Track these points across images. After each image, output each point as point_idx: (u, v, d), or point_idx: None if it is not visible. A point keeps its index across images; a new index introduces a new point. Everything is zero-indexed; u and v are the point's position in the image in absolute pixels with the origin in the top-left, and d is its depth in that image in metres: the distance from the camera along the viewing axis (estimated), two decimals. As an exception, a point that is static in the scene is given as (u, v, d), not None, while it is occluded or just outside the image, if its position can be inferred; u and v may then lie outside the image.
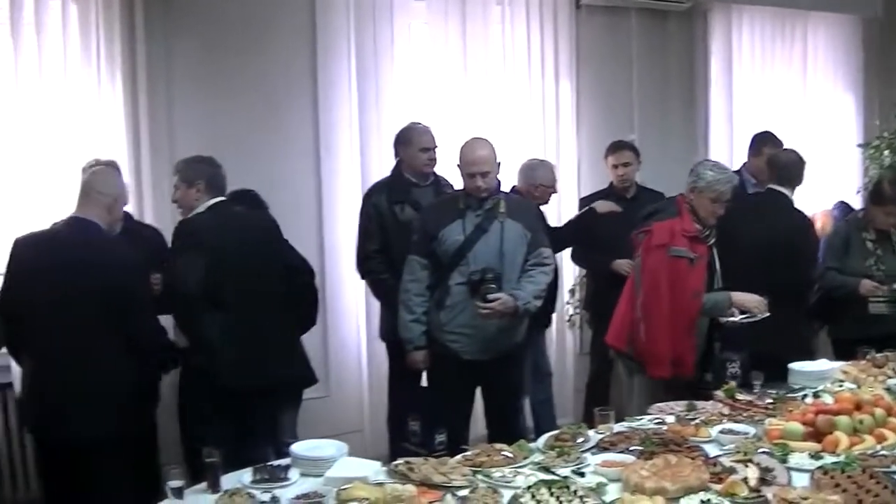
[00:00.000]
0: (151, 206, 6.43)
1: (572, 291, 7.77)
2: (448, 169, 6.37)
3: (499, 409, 5.89)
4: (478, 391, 5.92)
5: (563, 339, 7.96)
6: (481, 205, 5.60)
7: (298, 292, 5.86)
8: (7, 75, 6.09)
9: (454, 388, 5.76)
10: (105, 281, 4.85)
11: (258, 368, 5.34)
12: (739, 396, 5.02)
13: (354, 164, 7.11)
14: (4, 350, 5.22)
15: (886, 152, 9.02)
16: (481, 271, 5.51)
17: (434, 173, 6.40)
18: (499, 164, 5.65)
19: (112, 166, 5.70)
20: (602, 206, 6.93)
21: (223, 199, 5.49)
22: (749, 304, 5.57)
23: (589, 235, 6.83)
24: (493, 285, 5.49)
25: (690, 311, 5.58)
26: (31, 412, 5.13)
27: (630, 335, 5.76)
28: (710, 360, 5.71)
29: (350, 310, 7.16)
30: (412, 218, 6.11)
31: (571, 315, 7.88)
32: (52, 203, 6.00)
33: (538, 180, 6.72)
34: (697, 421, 4.65)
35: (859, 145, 9.60)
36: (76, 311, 4.83)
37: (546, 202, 6.87)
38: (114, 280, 4.87)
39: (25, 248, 5.01)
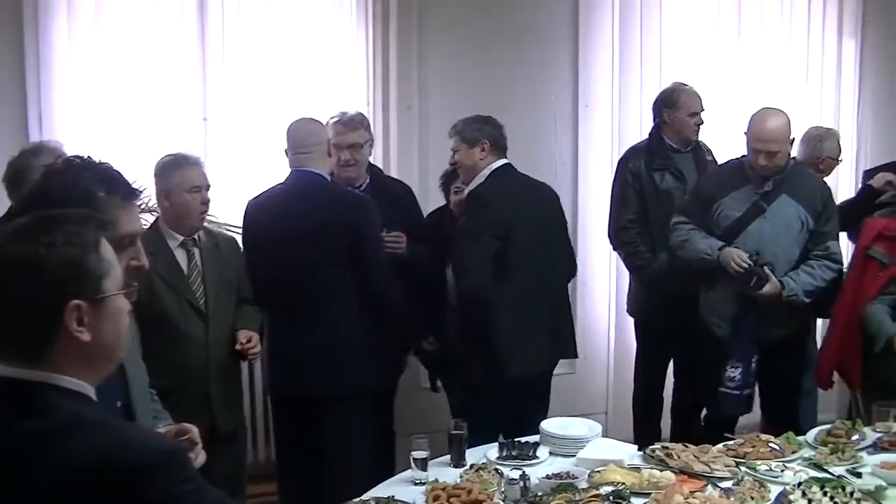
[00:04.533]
0: (396, 160, 6.67)
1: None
2: (709, 135, 6.45)
3: (771, 399, 5.94)
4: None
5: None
6: (766, 180, 5.61)
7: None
8: (267, 18, 6.45)
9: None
10: (329, 231, 5.07)
11: (543, 352, 5.51)
12: None
13: (613, 124, 7.18)
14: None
15: None
16: (755, 253, 5.54)
17: (697, 139, 6.44)
18: (791, 139, 5.64)
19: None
20: (879, 179, 6.72)
21: (507, 161, 5.52)
22: None
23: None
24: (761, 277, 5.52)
25: (854, 317, 5.47)
26: (268, 368, 5.51)
27: None
28: None
29: (601, 281, 7.24)
30: (672, 187, 6.21)
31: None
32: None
33: (825, 153, 6.60)
34: None
35: None
36: (302, 266, 5.11)
37: (828, 175, 6.77)
38: (339, 231, 5.08)
39: (254, 209, 5.37)
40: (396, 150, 6.68)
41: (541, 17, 7.00)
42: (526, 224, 5.36)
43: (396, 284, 5.27)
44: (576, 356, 5.87)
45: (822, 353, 5.85)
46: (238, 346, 5.05)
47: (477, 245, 5.26)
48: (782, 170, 5.61)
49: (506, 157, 5.52)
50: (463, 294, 5.34)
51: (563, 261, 5.71)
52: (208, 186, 5.12)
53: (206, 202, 5.09)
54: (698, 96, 6.36)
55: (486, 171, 5.44)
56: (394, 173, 6.51)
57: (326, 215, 5.10)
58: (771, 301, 5.49)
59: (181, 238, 5.07)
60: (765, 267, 5.49)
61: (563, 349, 5.70)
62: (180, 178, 5.01)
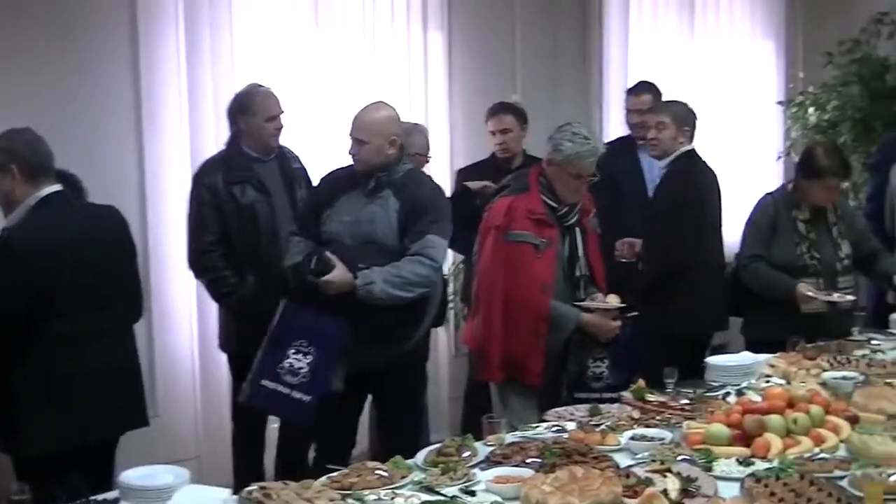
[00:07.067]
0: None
1: (446, 281, 7.49)
2: (295, 139, 6.46)
3: (389, 423, 6.00)
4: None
5: (435, 338, 7.74)
6: (368, 179, 5.62)
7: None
8: None
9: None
10: None
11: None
12: (650, 397, 5.12)
13: (184, 136, 6.97)
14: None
15: (811, 110, 9.23)
16: (313, 256, 5.53)
17: (278, 145, 6.39)
18: (393, 139, 5.62)
19: None
20: (474, 183, 7.06)
21: (58, 188, 5.09)
22: (600, 334, 5.70)
23: (468, 216, 6.75)
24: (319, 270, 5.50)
25: (539, 309, 5.65)
26: None
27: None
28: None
29: (181, 314, 7.05)
30: (255, 200, 6.14)
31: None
32: None
33: (413, 148, 6.67)
34: (603, 426, 4.75)
35: (779, 102, 9.91)
36: None
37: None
38: None
39: None
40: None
41: (92, 15, 6.70)
42: (77, 273, 4.99)
43: None
44: (147, 424, 5.53)
45: (484, 346, 5.89)
46: None
47: None
48: (384, 168, 5.61)
49: (51, 183, 5.07)
50: None
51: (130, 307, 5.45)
52: None
53: None
54: (276, 98, 6.28)
55: (29, 202, 4.97)
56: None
57: None
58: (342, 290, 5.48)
59: None
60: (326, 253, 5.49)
61: (128, 418, 5.39)
62: None
